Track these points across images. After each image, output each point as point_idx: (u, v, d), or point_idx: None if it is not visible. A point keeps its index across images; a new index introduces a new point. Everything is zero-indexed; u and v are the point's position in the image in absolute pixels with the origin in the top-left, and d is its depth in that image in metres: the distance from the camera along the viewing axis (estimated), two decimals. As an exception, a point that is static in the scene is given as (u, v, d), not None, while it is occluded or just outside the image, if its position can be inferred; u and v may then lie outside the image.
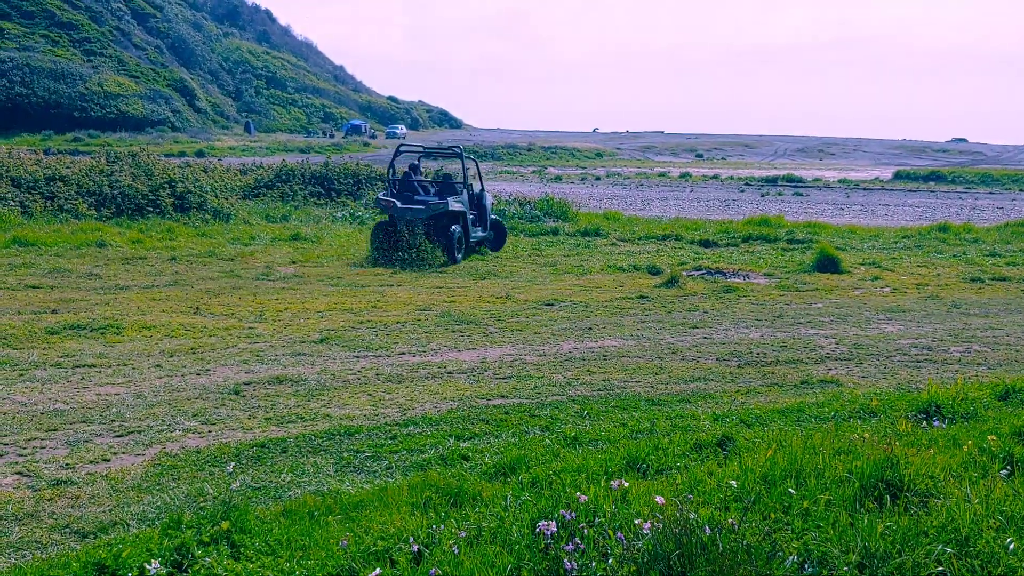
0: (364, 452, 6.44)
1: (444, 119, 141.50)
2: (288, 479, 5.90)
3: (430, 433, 6.85)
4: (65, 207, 18.72)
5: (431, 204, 16.58)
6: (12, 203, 18.43)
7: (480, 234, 17.88)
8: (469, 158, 18.73)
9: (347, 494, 5.43)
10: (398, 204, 16.53)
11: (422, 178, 18.83)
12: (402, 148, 19.31)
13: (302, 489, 5.70)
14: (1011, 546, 4.02)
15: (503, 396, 8.01)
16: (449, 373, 8.78)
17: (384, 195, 17.14)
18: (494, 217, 18.64)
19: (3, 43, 68.50)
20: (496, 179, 45.03)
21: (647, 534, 3.65)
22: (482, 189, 18.74)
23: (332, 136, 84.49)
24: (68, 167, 20.78)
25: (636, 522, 3.80)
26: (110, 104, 67.59)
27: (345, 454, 6.41)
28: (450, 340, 10.20)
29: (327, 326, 10.67)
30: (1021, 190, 49.21)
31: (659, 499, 3.92)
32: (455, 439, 6.70)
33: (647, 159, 78.61)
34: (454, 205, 16.82)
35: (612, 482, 4.29)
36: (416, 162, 18.64)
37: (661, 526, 3.63)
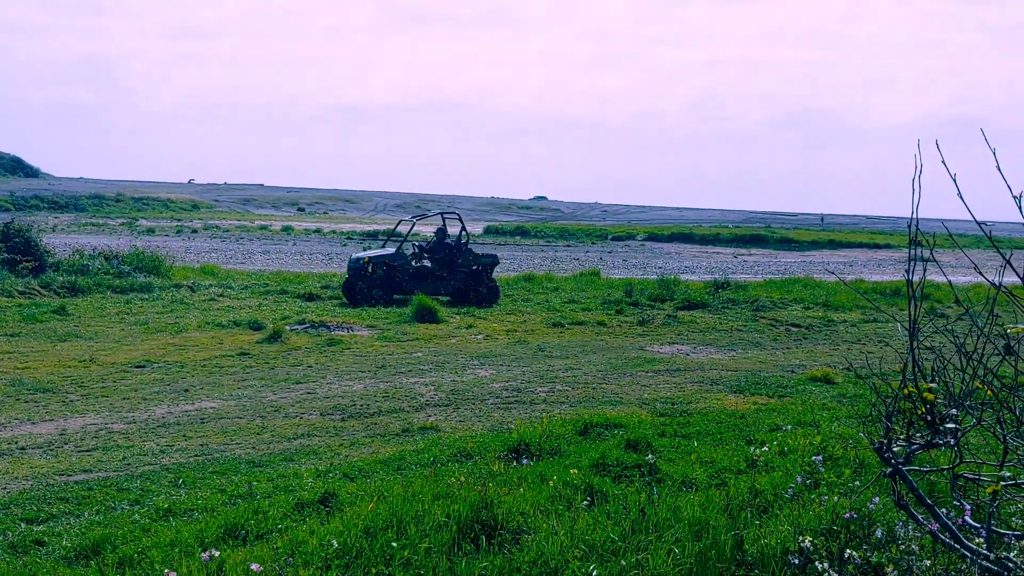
0: (-91, 550, 5.50)
1: (18, 167, 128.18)
2: None
3: (-3, 519, 6.02)
4: None
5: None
6: None
7: (436, 285, 20.23)
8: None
9: None
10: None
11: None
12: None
13: None
14: (594, 573, 4.35)
15: (86, 471, 7.28)
16: (21, 449, 7.83)
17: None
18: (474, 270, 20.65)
19: None
20: (80, 231, 41.71)
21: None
22: (457, 244, 20.99)
23: None
24: None
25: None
26: None
27: None
28: (22, 412, 9.13)
29: None
30: (593, 243, 54.98)
31: (255, 567, 3.75)
32: (27, 523, 5.95)
33: (248, 212, 77.15)
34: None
35: (203, 553, 4.03)
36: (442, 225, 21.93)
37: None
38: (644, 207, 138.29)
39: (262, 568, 3.72)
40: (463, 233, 21.39)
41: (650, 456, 7.00)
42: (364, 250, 21.41)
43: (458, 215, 22.42)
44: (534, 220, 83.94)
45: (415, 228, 22.56)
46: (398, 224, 22.03)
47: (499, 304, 19.98)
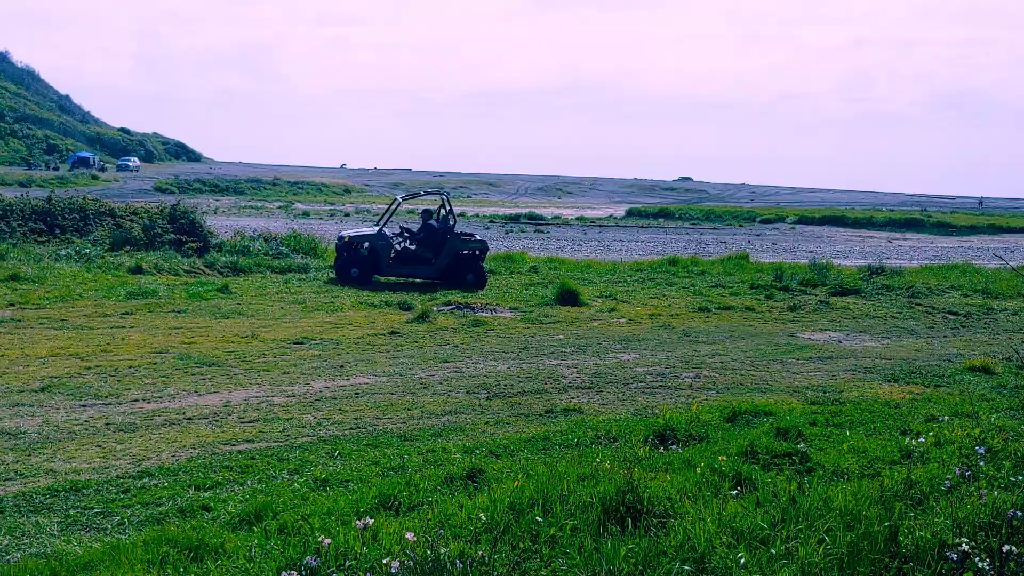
0: (93, 508, 5.95)
1: (182, 151, 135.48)
2: (6, 542, 5.34)
3: (167, 484, 6.43)
4: None
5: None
6: None
7: (419, 269, 19.62)
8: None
9: (74, 555, 4.99)
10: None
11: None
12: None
13: (22, 552, 5.17)
14: (742, 560, 4.31)
15: (249, 441, 7.68)
16: (189, 419, 8.32)
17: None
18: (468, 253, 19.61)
19: None
20: (240, 214, 43.69)
21: (396, 573, 3.60)
22: (444, 227, 19.97)
23: (56, 169, 78.71)
24: None
25: (385, 561, 3.73)
26: None
27: (71, 511, 5.89)
28: (190, 384, 9.69)
29: (49, 373, 9.82)
30: (740, 225, 53.81)
31: (410, 535, 3.88)
32: (195, 489, 6.34)
33: (396, 196, 79.10)
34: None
35: (358, 521, 4.20)
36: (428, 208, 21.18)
37: (411, 563, 3.59)
38: (793, 189, 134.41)
39: (415, 538, 3.86)
40: (449, 216, 20.55)
41: (801, 444, 6.86)
42: (396, 229, 20.74)
43: (445, 195, 20.98)
44: (678, 202, 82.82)
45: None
46: (395, 204, 20.95)
47: (641, 287, 19.79)
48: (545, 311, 15.94)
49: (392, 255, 19.57)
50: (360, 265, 19.19)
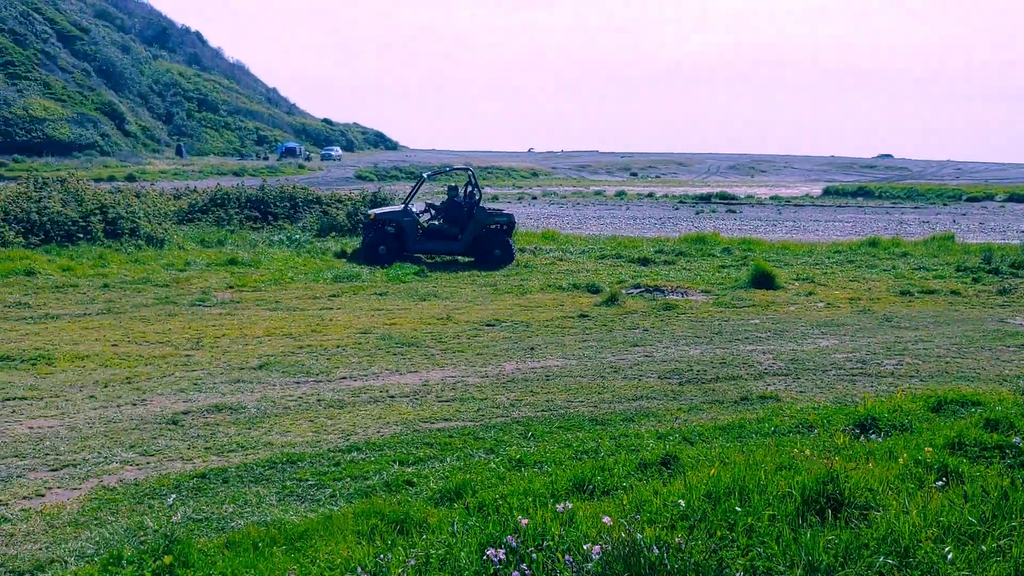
0: (307, 480, 6.36)
1: (380, 140, 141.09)
2: (230, 510, 5.79)
3: (374, 459, 6.78)
4: (-10, 235, 18.21)
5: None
6: (-65, 231, 17.89)
7: (446, 245, 19.81)
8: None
9: (291, 524, 5.35)
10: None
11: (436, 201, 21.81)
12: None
13: (245, 520, 5.59)
14: (949, 555, 4.12)
15: (446, 419, 7.98)
16: (391, 397, 8.72)
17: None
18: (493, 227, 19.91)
19: (-77, 68, 66.62)
20: (433, 199, 44.99)
21: (596, 557, 3.66)
22: (469, 202, 20.40)
23: (266, 159, 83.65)
24: (-7, 194, 20.22)
25: (586, 546, 3.81)
26: (36, 128, 66.13)
27: (288, 483, 6.32)
28: (391, 363, 10.14)
29: (266, 352, 10.53)
30: (944, 204, 50.69)
31: (607, 520, 3.94)
32: (399, 464, 6.65)
33: (583, 178, 79.31)
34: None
35: (558, 505, 4.29)
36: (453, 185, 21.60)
37: (610, 548, 3.64)
38: (1003, 165, 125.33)
39: (612, 522, 3.91)
40: (475, 191, 20.62)
41: (1015, 438, 6.44)
42: (424, 206, 20.99)
43: (470, 171, 21.28)
44: (878, 180, 78.84)
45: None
46: (419, 182, 21.39)
47: (839, 270, 19.03)
48: (738, 294, 15.63)
49: (419, 231, 19.79)
50: (388, 243, 19.39)
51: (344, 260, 19.06)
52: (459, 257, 19.91)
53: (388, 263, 18.61)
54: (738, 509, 4.66)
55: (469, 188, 20.75)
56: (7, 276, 15.28)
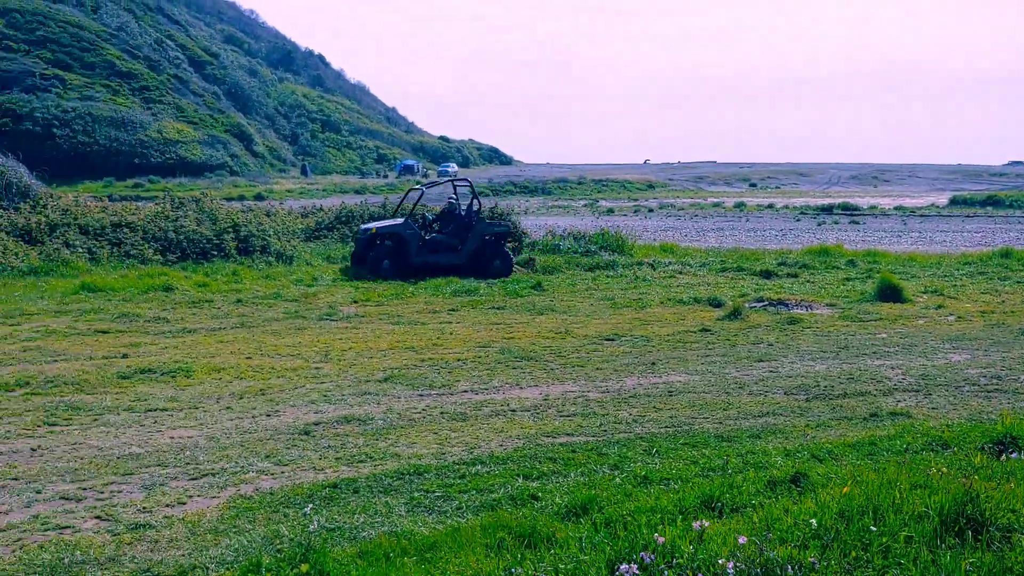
0: (434, 492, 6.48)
1: (494, 156, 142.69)
2: (361, 520, 5.95)
3: (498, 472, 6.86)
4: (131, 253, 19.19)
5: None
6: (80, 250, 18.95)
7: (447, 257, 19.73)
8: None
9: (420, 535, 5.47)
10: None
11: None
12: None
13: (375, 530, 5.74)
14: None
15: (568, 434, 8.01)
16: (513, 411, 8.80)
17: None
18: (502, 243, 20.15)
19: (66, 93, 70.78)
20: (548, 214, 45.19)
21: (731, 574, 3.63)
22: (469, 213, 20.40)
23: (386, 176, 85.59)
24: (134, 213, 21.29)
25: (720, 562, 3.78)
26: (169, 150, 69.36)
27: (415, 494, 6.45)
28: (512, 377, 10.24)
29: (390, 364, 10.77)
30: (1085, 212, 48.02)
31: (742, 539, 3.90)
32: (523, 478, 6.71)
33: (700, 189, 78.34)
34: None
35: (694, 523, 4.27)
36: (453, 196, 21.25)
37: (743, 566, 3.61)
38: None
39: (746, 540, 3.87)
40: (474, 201, 20.55)
41: None
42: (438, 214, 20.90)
43: (469, 182, 21.43)
44: (1008, 188, 75.23)
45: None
46: (407, 192, 21.39)
47: (970, 282, 18.25)
48: (865, 307, 15.18)
49: (420, 244, 19.58)
50: (391, 256, 19.21)
51: (458, 277, 19.30)
52: (459, 266, 19.67)
53: (390, 276, 18.67)
54: (872, 529, 4.55)
55: (470, 200, 20.85)
56: (147, 292, 16.07)
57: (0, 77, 69.18)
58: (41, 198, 21.50)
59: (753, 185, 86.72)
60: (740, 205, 54.24)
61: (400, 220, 20.42)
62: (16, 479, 6.75)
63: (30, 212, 20.15)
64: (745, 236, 31.95)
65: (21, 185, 21.69)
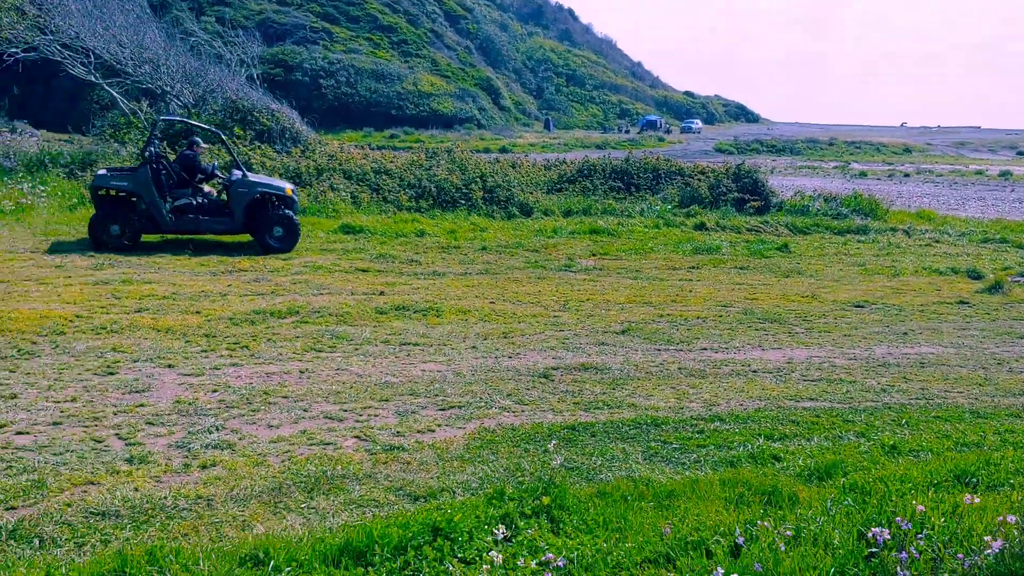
0: (671, 443, 6.52)
1: (740, 113, 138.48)
2: (598, 462, 6.09)
3: (737, 430, 6.81)
4: (388, 198, 20.29)
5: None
6: (343, 193, 20.24)
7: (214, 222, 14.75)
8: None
9: (658, 482, 5.53)
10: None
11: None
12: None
13: (613, 473, 5.87)
14: None
15: (812, 399, 7.79)
16: (754, 371, 8.66)
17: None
18: (286, 213, 14.86)
19: (333, 46, 75.17)
20: (796, 174, 43.47)
21: (993, 551, 3.45)
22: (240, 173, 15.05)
23: (627, 132, 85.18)
24: (391, 161, 22.51)
25: (987, 539, 3.60)
26: (423, 103, 72.21)
27: (652, 444, 6.52)
28: (753, 338, 10.05)
29: (628, 318, 10.85)
30: None
31: (1011, 517, 3.69)
32: (764, 438, 6.62)
33: (961, 156, 72.66)
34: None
35: (965, 496, 4.07)
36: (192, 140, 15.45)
37: (1008, 545, 3.42)
38: None
39: (1015, 519, 3.66)
40: (231, 156, 15.92)
41: None
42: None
43: (221, 135, 16.01)
44: None
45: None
46: (153, 125, 15.43)
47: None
48: None
49: (171, 205, 14.58)
50: (123, 220, 14.16)
51: (703, 232, 18.99)
52: (225, 235, 15.32)
53: (128, 246, 14.09)
54: None
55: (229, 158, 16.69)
56: (401, 235, 16.97)
57: (275, 30, 74.45)
58: (310, 144, 23.14)
59: (1021, 153, 79.32)
60: (1005, 174, 49.76)
61: (135, 167, 14.78)
62: (286, 397, 7.40)
63: (300, 156, 21.75)
64: (1010, 207, 29.38)
65: (293, 131, 23.42)
